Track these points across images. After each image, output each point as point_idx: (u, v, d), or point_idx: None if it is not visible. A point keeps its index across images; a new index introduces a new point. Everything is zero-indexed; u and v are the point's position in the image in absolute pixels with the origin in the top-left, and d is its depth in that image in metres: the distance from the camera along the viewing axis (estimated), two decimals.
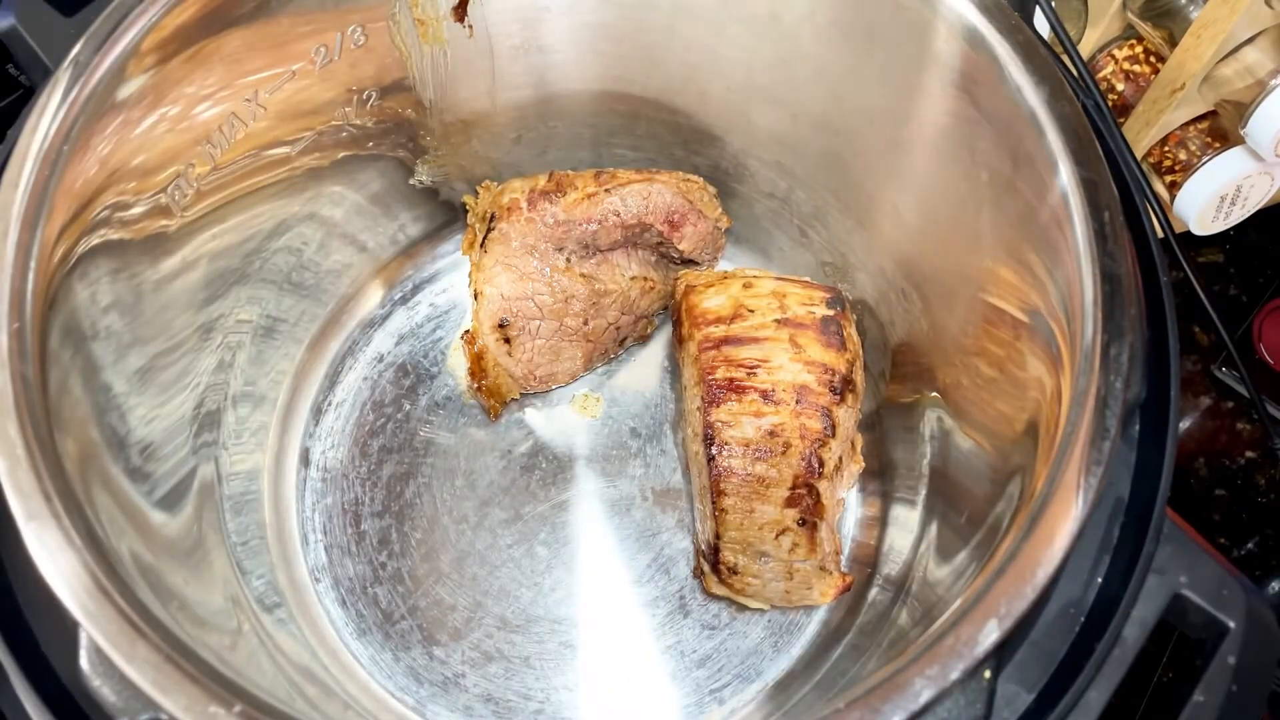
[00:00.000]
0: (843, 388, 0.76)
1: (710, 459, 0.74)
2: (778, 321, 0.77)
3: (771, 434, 0.74)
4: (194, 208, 0.68)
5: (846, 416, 0.77)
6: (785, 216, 0.89)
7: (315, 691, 0.73)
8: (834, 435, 0.75)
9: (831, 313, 0.78)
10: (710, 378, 0.76)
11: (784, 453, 0.74)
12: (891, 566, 0.80)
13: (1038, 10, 0.80)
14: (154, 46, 0.60)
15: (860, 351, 0.79)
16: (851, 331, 0.79)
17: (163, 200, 0.65)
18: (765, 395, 0.75)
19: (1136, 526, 0.54)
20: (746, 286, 0.80)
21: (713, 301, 0.79)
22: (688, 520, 0.85)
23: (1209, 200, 0.92)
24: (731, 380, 0.75)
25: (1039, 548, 0.48)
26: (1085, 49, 0.97)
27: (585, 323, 0.85)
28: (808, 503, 0.74)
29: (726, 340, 0.77)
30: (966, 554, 0.64)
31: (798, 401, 0.75)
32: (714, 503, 0.74)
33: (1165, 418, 0.56)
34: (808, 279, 0.82)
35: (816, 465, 0.74)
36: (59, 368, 0.56)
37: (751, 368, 0.76)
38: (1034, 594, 0.47)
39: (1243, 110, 0.85)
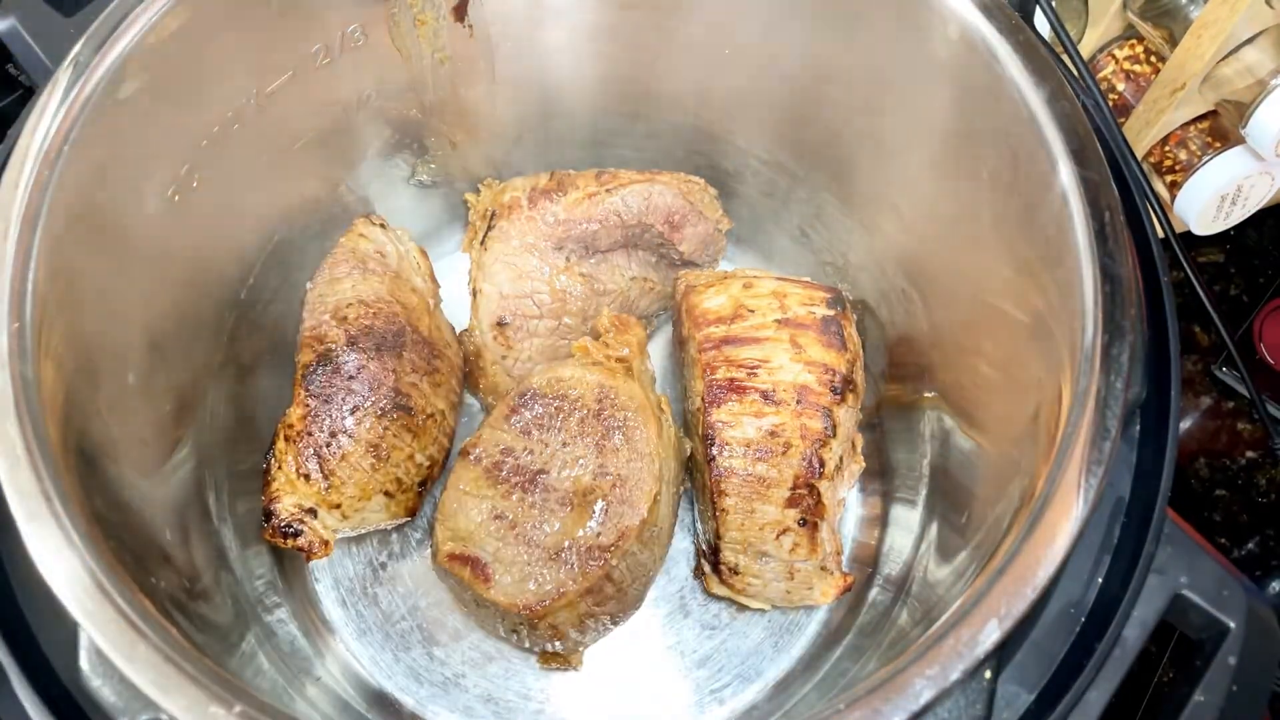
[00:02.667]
0: (843, 388, 0.76)
1: (710, 459, 0.74)
2: (778, 321, 0.77)
3: (772, 434, 0.74)
4: (194, 207, 0.68)
5: (847, 417, 0.76)
6: (785, 216, 0.89)
7: (315, 691, 0.73)
8: (835, 435, 0.75)
9: (832, 313, 0.78)
10: (711, 378, 0.76)
11: (785, 453, 0.74)
12: (892, 566, 0.80)
13: (1038, 10, 0.80)
14: (154, 46, 0.60)
15: (860, 351, 0.79)
16: (852, 331, 0.79)
17: (163, 200, 0.65)
18: (766, 395, 0.75)
19: (1137, 527, 0.54)
20: (747, 287, 0.79)
21: (713, 302, 0.79)
22: (688, 520, 0.85)
23: (1209, 200, 0.92)
24: (732, 380, 0.75)
25: (1039, 548, 0.48)
26: (1086, 49, 0.97)
27: (584, 322, 0.85)
28: (808, 503, 0.74)
29: (727, 340, 0.77)
30: (967, 554, 0.64)
31: (798, 402, 0.75)
32: (714, 503, 0.74)
33: (1166, 418, 0.56)
34: (808, 279, 0.82)
35: (817, 465, 0.74)
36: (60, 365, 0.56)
37: (752, 368, 0.75)
38: (1034, 594, 0.47)
39: (1243, 110, 0.85)
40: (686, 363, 0.81)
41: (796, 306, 0.78)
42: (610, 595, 0.73)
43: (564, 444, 0.75)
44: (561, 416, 0.75)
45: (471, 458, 0.76)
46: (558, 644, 0.75)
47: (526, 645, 0.77)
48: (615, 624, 0.77)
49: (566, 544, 0.71)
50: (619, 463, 0.73)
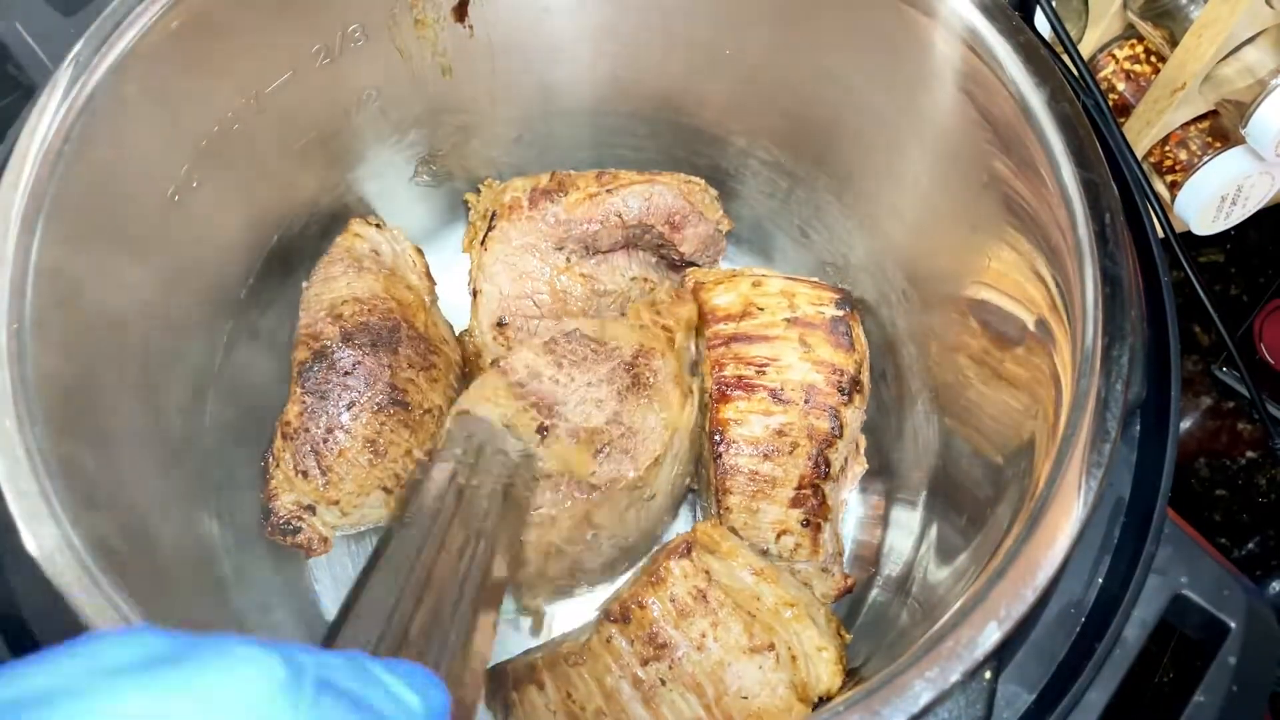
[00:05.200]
0: (850, 388, 0.76)
1: (717, 456, 0.74)
2: (787, 320, 0.77)
3: (780, 433, 0.74)
4: (194, 207, 0.68)
5: (854, 417, 0.76)
6: (786, 217, 0.89)
7: None
8: (841, 436, 0.75)
9: (841, 313, 0.78)
10: (719, 374, 0.76)
11: (791, 452, 0.74)
12: (892, 567, 0.80)
13: (1038, 10, 0.80)
14: (154, 46, 0.60)
15: (867, 352, 0.79)
16: (859, 332, 0.79)
17: (163, 200, 0.65)
18: (774, 394, 0.75)
19: (1137, 527, 0.54)
20: (756, 285, 0.79)
21: (722, 298, 0.79)
22: (692, 520, 0.85)
23: (1210, 200, 0.92)
24: (740, 378, 0.75)
25: (1039, 549, 0.48)
26: (1086, 49, 0.97)
27: None
28: (812, 504, 0.74)
29: (736, 338, 0.77)
30: (967, 555, 0.64)
31: (806, 401, 0.75)
32: (718, 500, 0.74)
33: (1166, 418, 0.56)
34: (816, 279, 0.82)
35: (823, 466, 0.74)
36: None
37: (761, 366, 0.75)
38: (1034, 596, 0.47)
39: (1243, 110, 0.85)
40: (695, 359, 0.81)
41: (805, 306, 0.78)
42: (583, 539, 0.73)
43: (589, 384, 0.75)
44: (596, 359, 0.76)
45: (500, 369, 0.76)
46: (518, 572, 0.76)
47: None
48: (577, 584, 0.78)
49: (560, 471, 0.72)
50: (634, 416, 0.74)
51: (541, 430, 0.72)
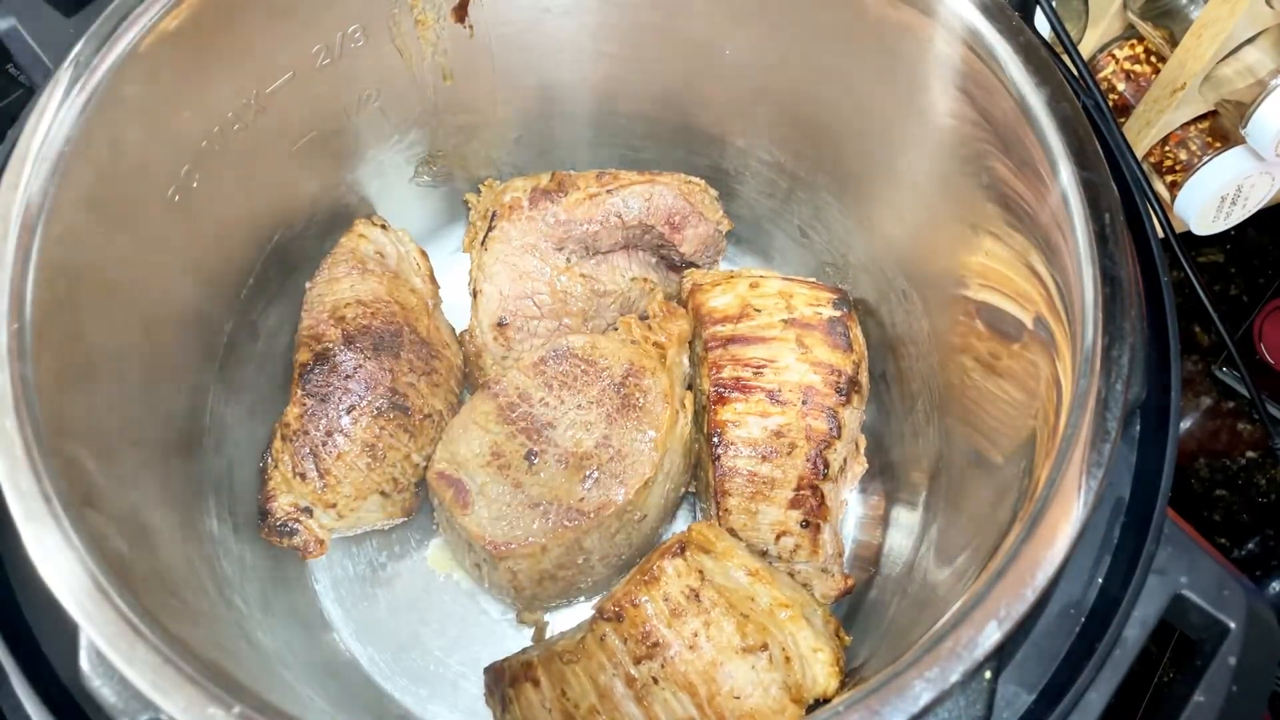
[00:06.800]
0: (849, 389, 0.76)
1: (715, 458, 0.74)
2: (785, 321, 0.77)
3: (778, 434, 0.74)
4: (194, 207, 0.68)
5: (852, 418, 0.76)
6: (785, 217, 0.89)
7: (314, 691, 0.73)
8: (839, 436, 0.75)
9: (838, 314, 0.78)
10: (717, 376, 0.76)
11: (789, 453, 0.74)
12: (892, 567, 0.80)
13: (1038, 10, 0.80)
14: (154, 47, 0.60)
15: (865, 352, 0.79)
16: (858, 333, 0.79)
17: (163, 200, 0.65)
18: (772, 395, 0.75)
19: (1137, 527, 0.54)
20: (753, 286, 0.79)
21: (720, 300, 0.79)
22: (694, 516, 0.85)
23: (1210, 200, 0.92)
24: (738, 380, 0.75)
25: (1039, 549, 0.48)
26: (1086, 49, 0.97)
27: (584, 323, 0.85)
28: (811, 504, 0.74)
29: (733, 339, 0.77)
30: (967, 555, 0.64)
31: (804, 402, 0.75)
32: (717, 502, 0.74)
33: (1166, 418, 0.56)
34: (814, 279, 0.82)
35: (821, 466, 0.74)
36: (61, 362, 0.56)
37: (758, 367, 0.75)
38: (1034, 596, 0.47)
39: (1243, 110, 0.85)
40: (692, 361, 0.81)
41: (803, 307, 0.78)
42: (574, 564, 0.74)
43: (579, 406, 0.76)
44: (585, 380, 0.76)
45: (490, 392, 0.77)
46: (513, 593, 0.76)
47: (486, 585, 0.79)
48: (574, 597, 0.78)
49: (549, 499, 0.72)
50: (623, 439, 0.74)
51: (530, 456, 0.73)
